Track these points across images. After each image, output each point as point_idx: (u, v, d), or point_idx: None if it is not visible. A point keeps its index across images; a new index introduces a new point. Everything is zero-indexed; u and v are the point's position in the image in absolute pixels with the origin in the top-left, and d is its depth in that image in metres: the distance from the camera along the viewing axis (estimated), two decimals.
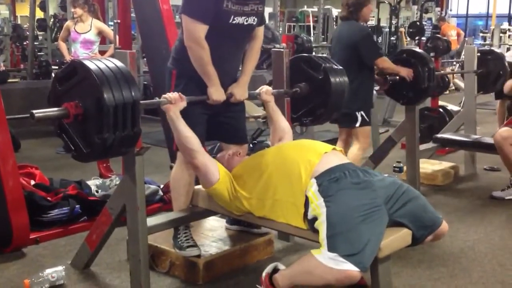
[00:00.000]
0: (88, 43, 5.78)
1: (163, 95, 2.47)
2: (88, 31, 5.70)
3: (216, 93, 2.63)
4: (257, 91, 2.90)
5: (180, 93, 2.48)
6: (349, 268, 2.02)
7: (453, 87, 10.57)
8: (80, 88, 2.14)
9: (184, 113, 2.49)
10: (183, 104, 2.48)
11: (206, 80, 2.63)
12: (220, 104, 2.67)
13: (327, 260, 2.05)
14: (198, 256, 2.74)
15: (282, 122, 2.89)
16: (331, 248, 2.06)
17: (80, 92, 2.14)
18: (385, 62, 3.91)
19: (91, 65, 2.12)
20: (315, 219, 2.21)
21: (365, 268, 2.05)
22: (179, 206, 2.84)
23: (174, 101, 2.44)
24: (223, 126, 2.83)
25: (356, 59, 3.84)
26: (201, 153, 2.51)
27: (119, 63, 2.21)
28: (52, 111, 2.14)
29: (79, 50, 5.78)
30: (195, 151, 2.49)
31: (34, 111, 2.08)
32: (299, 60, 3.16)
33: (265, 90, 2.88)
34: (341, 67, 3.12)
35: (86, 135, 2.14)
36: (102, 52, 5.72)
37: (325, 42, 10.36)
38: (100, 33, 5.75)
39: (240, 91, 2.75)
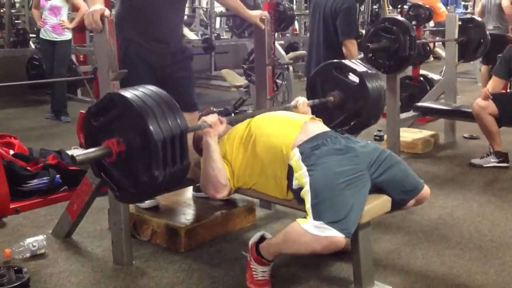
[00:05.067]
0: (55, 9, 5.70)
1: (203, 118, 2.31)
2: None
3: None
4: (293, 103, 2.77)
5: (219, 116, 2.34)
6: (334, 234, 2.04)
7: (432, 58, 10.53)
8: (120, 122, 1.92)
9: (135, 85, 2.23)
10: (222, 127, 2.34)
11: None
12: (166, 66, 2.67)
13: (313, 229, 2.06)
14: (156, 207, 2.90)
15: None
16: (316, 217, 2.08)
17: (120, 127, 1.92)
18: (353, 47, 3.75)
19: (128, 94, 1.91)
20: (300, 188, 2.21)
21: (349, 234, 2.07)
22: None
23: (214, 125, 2.30)
24: (170, 95, 2.76)
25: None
26: (227, 186, 2.39)
27: (157, 89, 2.00)
28: (93, 151, 1.91)
29: (48, 17, 5.73)
30: (223, 185, 2.37)
31: (74, 154, 1.86)
32: (331, 67, 2.92)
33: (302, 103, 2.76)
34: (376, 72, 2.93)
35: (131, 174, 1.91)
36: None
37: (308, 11, 10.27)
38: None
39: None
